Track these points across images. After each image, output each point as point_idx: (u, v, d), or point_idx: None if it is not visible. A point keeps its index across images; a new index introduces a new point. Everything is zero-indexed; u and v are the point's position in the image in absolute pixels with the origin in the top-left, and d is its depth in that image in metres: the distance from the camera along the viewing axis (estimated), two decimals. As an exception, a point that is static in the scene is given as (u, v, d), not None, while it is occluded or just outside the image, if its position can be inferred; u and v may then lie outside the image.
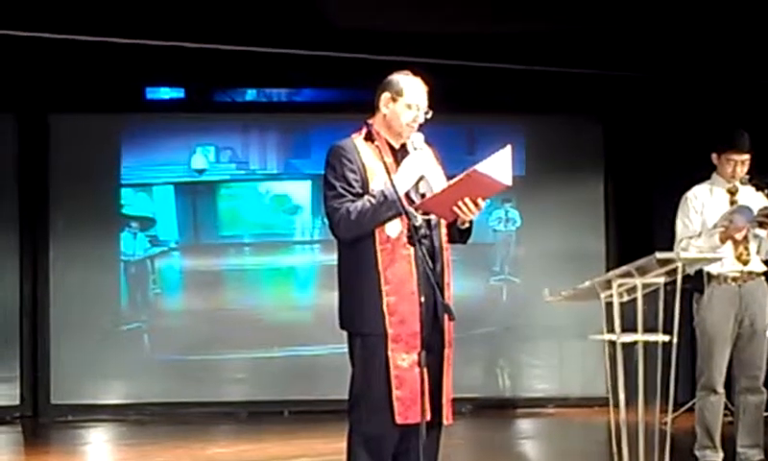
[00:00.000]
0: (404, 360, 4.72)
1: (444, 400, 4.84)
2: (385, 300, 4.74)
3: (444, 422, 4.87)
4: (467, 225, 4.85)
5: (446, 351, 4.85)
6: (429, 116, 4.88)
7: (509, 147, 4.63)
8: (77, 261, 10.28)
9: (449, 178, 4.78)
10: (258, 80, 10.68)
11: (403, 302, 4.72)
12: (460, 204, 4.68)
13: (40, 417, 10.17)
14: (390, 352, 4.74)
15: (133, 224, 10.50)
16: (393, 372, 4.74)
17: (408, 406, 4.70)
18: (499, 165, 4.60)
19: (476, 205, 4.70)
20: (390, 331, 4.74)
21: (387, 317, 4.74)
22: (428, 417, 4.68)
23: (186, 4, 8.80)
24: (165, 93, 10.92)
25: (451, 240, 4.93)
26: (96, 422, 10.04)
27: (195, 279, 10.59)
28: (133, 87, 10.53)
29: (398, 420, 4.73)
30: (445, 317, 4.74)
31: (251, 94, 11.05)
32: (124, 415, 10.16)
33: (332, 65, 9.49)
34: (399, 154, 4.87)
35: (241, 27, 9.12)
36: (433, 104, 4.89)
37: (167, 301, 10.65)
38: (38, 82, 10.11)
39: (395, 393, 4.73)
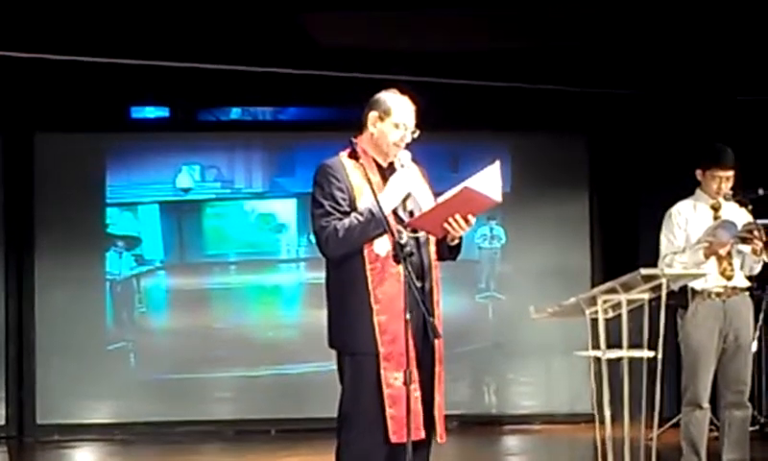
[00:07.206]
0: (396, 379, 4.69)
1: (437, 418, 4.84)
2: (376, 319, 4.73)
3: (438, 440, 4.86)
4: (456, 241, 4.86)
5: (437, 368, 4.85)
6: (416, 136, 4.87)
7: (497, 163, 4.65)
8: (62, 280, 10.24)
9: (436, 195, 4.80)
10: (243, 99, 10.69)
11: (394, 320, 4.69)
12: (450, 220, 4.68)
13: (26, 437, 10.12)
14: (382, 371, 4.73)
15: (119, 243, 10.48)
16: (385, 391, 4.72)
17: (402, 425, 4.65)
18: (489, 181, 4.62)
19: (466, 221, 4.71)
20: (381, 350, 4.73)
21: (378, 336, 4.73)
22: (421, 435, 4.69)
23: (171, 23, 8.81)
24: (150, 112, 10.92)
25: (440, 257, 4.93)
26: (82, 441, 9.99)
27: (181, 298, 10.56)
28: (118, 107, 10.53)
29: (393, 439, 4.71)
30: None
31: (236, 113, 11.06)
32: (110, 434, 10.12)
33: (317, 84, 9.51)
34: (387, 172, 4.87)
35: (226, 46, 9.15)
36: (418, 121, 4.89)
37: (153, 320, 10.62)
38: (24, 101, 10.10)
39: (388, 411, 4.72)
